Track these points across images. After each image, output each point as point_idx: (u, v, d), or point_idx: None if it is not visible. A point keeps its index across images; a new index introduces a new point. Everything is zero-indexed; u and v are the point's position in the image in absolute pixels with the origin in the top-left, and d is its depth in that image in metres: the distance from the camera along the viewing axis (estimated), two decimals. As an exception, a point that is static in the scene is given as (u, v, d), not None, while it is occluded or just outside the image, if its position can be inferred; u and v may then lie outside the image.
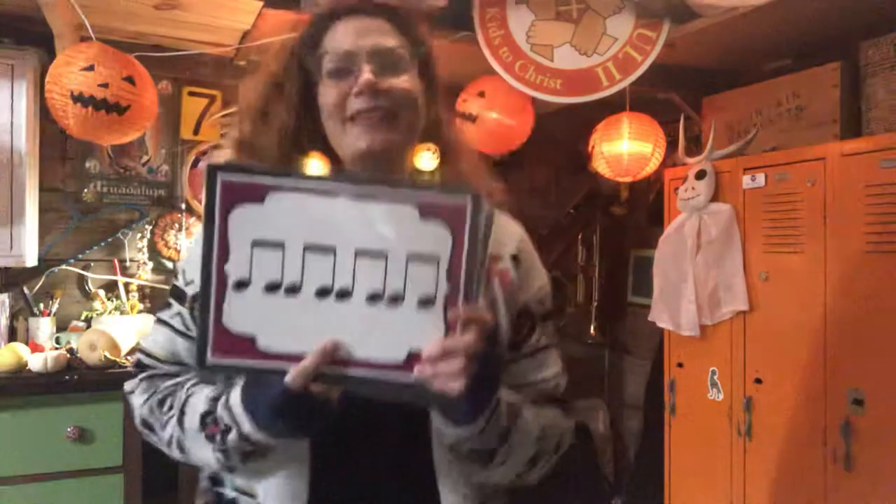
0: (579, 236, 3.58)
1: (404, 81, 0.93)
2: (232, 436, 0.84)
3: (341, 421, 0.79)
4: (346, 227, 0.73)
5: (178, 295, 0.98)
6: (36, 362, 2.21)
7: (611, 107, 2.59)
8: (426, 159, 0.97)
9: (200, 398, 0.90)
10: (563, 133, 3.24)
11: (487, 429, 0.82)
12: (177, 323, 0.97)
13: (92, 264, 2.70)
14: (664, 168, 2.70)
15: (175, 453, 0.94)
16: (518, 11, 2.29)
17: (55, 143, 2.59)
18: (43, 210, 2.58)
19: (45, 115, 2.28)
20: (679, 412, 2.59)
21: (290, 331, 0.74)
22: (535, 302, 1.00)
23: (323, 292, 0.74)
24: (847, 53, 2.22)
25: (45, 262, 2.60)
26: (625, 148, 2.61)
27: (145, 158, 2.78)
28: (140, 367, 1.01)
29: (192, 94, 2.83)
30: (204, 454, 0.89)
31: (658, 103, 2.79)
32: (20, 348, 2.29)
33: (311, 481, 0.88)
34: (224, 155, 1.04)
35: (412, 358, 0.73)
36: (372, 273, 0.73)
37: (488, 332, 0.73)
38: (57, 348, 2.39)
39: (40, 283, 2.60)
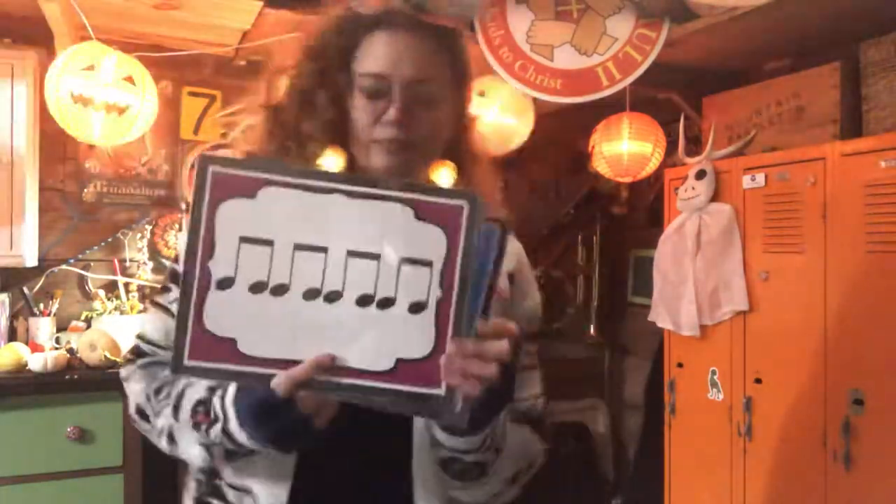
0: (579, 236, 3.58)
1: (434, 116, 0.92)
2: (216, 429, 0.81)
3: (326, 432, 0.77)
4: (339, 226, 0.70)
5: (177, 278, 0.95)
6: (36, 362, 2.20)
7: (611, 107, 2.59)
8: (444, 176, 0.95)
9: (199, 388, 0.86)
10: (563, 133, 3.24)
11: (488, 442, 0.81)
12: (175, 308, 0.95)
13: (92, 264, 2.70)
14: (664, 168, 2.70)
15: (164, 444, 0.92)
16: (518, 11, 2.29)
17: (55, 143, 2.59)
18: (43, 210, 2.58)
19: (45, 115, 2.27)
20: (679, 412, 2.59)
21: (275, 334, 0.70)
22: (524, 320, 0.97)
23: (311, 294, 0.70)
24: (847, 53, 2.22)
25: (45, 262, 2.60)
26: (625, 148, 2.61)
27: (145, 158, 2.78)
28: (138, 353, 0.98)
29: (192, 94, 2.83)
30: (191, 449, 0.87)
31: (658, 103, 2.79)
32: (20, 348, 2.29)
33: (292, 486, 0.87)
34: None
35: (400, 364, 0.70)
36: (363, 275, 0.70)
37: (517, 344, 0.71)
38: (57, 348, 2.39)
39: (40, 283, 2.60)
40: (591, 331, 3.57)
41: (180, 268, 0.72)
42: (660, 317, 2.59)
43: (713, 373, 2.42)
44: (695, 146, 2.67)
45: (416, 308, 0.70)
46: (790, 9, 2.05)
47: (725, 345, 2.37)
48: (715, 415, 2.41)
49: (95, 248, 2.70)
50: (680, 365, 2.58)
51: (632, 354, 3.58)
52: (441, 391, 0.70)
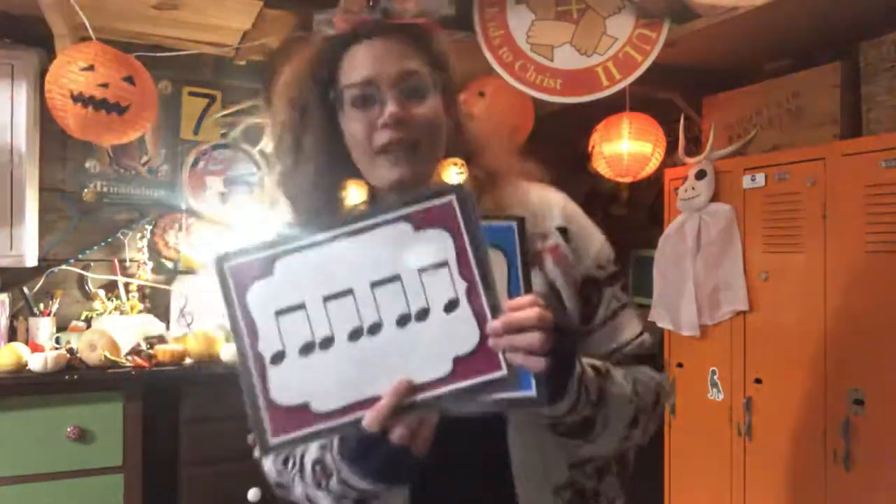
0: (579, 236, 3.58)
1: (429, 108, 0.92)
2: (333, 481, 0.84)
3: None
4: (355, 265, 0.74)
5: None
6: (36, 362, 2.20)
7: (611, 107, 2.59)
8: (453, 174, 0.95)
9: (312, 449, 0.88)
10: (563, 133, 3.23)
11: (581, 399, 0.81)
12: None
13: (92, 264, 2.70)
14: (664, 168, 2.70)
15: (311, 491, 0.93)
16: (518, 11, 2.29)
17: (55, 143, 2.59)
18: (43, 210, 2.58)
19: (45, 115, 2.27)
20: (679, 412, 2.59)
21: (340, 382, 0.74)
22: (596, 268, 0.97)
23: (355, 334, 0.74)
24: (847, 53, 2.22)
25: (45, 262, 2.60)
26: (625, 148, 2.61)
27: (145, 158, 2.78)
28: None
29: (192, 94, 2.83)
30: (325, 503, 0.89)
31: (658, 103, 2.79)
32: (20, 348, 2.29)
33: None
34: (266, 193, 1.02)
35: (458, 363, 0.73)
36: (393, 298, 0.74)
37: (545, 306, 0.72)
38: (57, 348, 2.39)
39: (40, 283, 2.59)
40: (591, 331, 3.57)
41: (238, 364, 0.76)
42: (660, 317, 2.59)
43: (713, 373, 2.42)
44: (695, 146, 2.67)
45: (450, 307, 0.73)
46: (790, 9, 2.05)
47: (725, 345, 2.37)
48: (715, 415, 2.41)
49: (95, 248, 2.70)
50: (680, 365, 2.58)
51: (632, 354, 3.58)
52: (503, 372, 0.72)
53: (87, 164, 2.69)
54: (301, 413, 0.73)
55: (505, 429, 0.89)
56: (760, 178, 2.25)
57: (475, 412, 0.74)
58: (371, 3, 0.94)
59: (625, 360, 0.95)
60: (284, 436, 0.74)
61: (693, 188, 2.41)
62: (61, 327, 2.54)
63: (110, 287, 2.69)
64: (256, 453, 0.95)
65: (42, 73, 2.24)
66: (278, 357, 0.74)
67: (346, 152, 0.94)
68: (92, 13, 2.09)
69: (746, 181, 2.29)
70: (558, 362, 0.72)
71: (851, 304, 1.97)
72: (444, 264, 0.73)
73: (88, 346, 2.30)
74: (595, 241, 1.00)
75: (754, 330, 2.28)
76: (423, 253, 0.73)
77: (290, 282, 0.74)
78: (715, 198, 2.38)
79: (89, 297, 2.66)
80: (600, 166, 2.72)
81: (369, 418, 0.72)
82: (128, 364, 2.32)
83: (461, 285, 0.73)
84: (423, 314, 0.73)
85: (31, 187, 2.41)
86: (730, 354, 2.36)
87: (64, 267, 2.65)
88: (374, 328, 0.74)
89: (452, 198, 0.73)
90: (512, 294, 0.74)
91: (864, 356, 1.94)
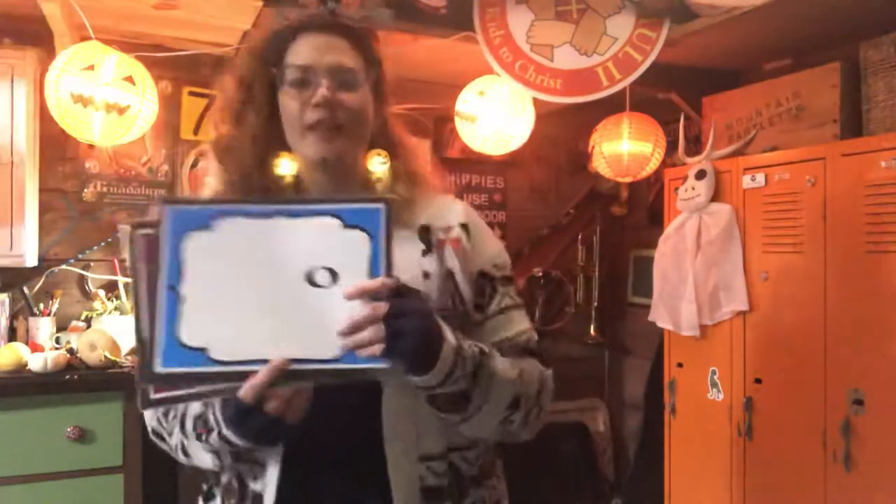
0: (579, 236, 3.58)
1: (356, 97, 1.03)
2: (214, 436, 0.93)
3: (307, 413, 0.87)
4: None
5: None
6: (36, 362, 2.20)
7: (611, 107, 2.59)
8: (377, 164, 1.07)
9: (195, 406, 0.96)
10: (563, 133, 3.24)
11: (455, 372, 0.89)
12: None
13: (92, 264, 2.70)
14: (664, 168, 2.70)
15: (181, 458, 1.03)
16: (518, 11, 2.29)
17: (55, 143, 2.59)
18: (43, 210, 2.58)
19: (45, 115, 2.27)
20: (679, 412, 2.59)
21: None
22: (491, 266, 1.09)
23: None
24: (847, 53, 2.22)
25: (45, 262, 2.60)
26: (625, 148, 2.61)
27: (145, 158, 2.78)
28: None
29: (192, 94, 2.83)
30: (202, 456, 0.99)
31: (658, 103, 2.79)
32: (20, 348, 2.29)
33: (281, 468, 0.97)
34: (208, 157, 1.13)
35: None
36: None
37: (384, 294, 0.81)
38: (57, 348, 2.39)
39: (40, 283, 2.59)
40: (591, 331, 3.57)
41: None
42: (660, 317, 2.59)
43: (713, 373, 2.42)
44: (695, 146, 2.67)
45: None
46: (790, 9, 2.05)
47: (725, 345, 2.37)
48: (715, 415, 2.41)
49: (95, 248, 2.70)
50: (680, 365, 2.58)
51: (632, 354, 3.58)
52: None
53: (87, 164, 2.69)
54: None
55: (380, 395, 0.97)
56: (760, 178, 2.25)
57: (345, 383, 0.83)
58: (323, 2, 1.09)
59: (512, 350, 1.05)
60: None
61: (693, 188, 2.41)
62: (61, 327, 2.54)
63: (110, 287, 2.69)
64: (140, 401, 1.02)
65: (42, 73, 2.24)
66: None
67: (281, 129, 1.05)
68: (92, 13, 2.09)
69: (746, 181, 2.29)
70: (422, 339, 0.83)
71: (851, 304, 1.97)
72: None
73: (88, 346, 2.30)
74: (493, 245, 1.13)
75: (754, 330, 2.28)
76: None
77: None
78: (715, 198, 2.38)
79: (89, 297, 2.66)
80: (600, 166, 2.72)
81: (245, 390, 0.81)
82: (128, 364, 2.32)
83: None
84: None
85: (31, 187, 2.41)
86: (730, 354, 2.36)
87: (64, 267, 2.65)
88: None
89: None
90: (373, 276, 0.82)
91: (864, 356, 1.94)
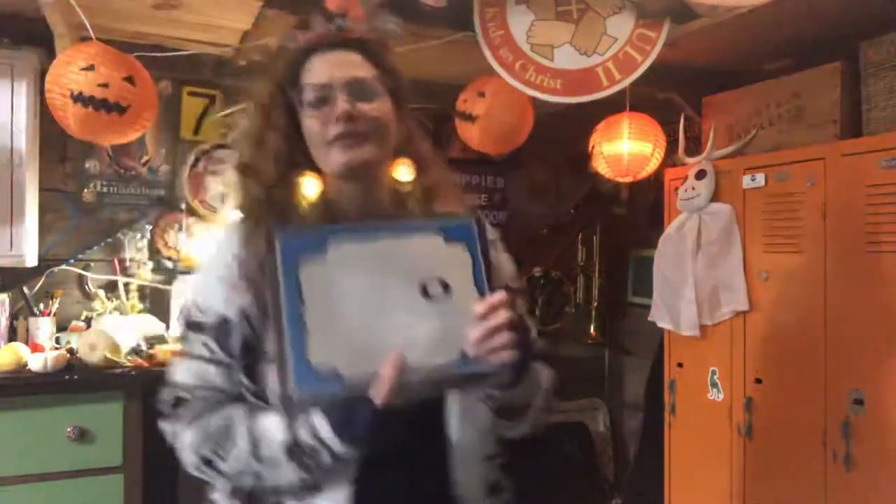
0: (579, 236, 3.58)
1: (375, 108, 1.05)
2: (324, 458, 0.94)
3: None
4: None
5: (198, 327, 1.04)
6: (36, 362, 2.20)
7: (611, 107, 2.59)
8: (403, 172, 1.10)
9: (271, 428, 0.97)
10: (563, 133, 3.24)
11: (527, 388, 1.00)
12: (204, 352, 1.03)
13: (92, 264, 2.70)
14: (664, 168, 2.70)
15: (245, 481, 1.01)
16: (518, 11, 2.29)
17: (55, 143, 2.59)
18: (43, 210, 2.58)
19: (45, 115, 2.27)
20: (679, 412, 2.59)
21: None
22: (510, 278, 1.16)
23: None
24: (847, 53, 2.22)
25: (45, 262, 2.60)
26: (625, 148, 2.61)
27: (145, 158, 2.78)
28: (177, 402, 1.05)
29: (192, 94, 2.83)
30: (286, 477, 0.97)
31: (658, 103, 2.79)
32: (20, 348, 2.29)
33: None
34: (227, 170, 1.17)
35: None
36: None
37: (510, 308, 0.89)
38: (57, 348, 2.39)
39: (40, 283, 2.59)
40: (591, 331, 3.57)
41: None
42: (660, 317, 2.59)
43: (713, 373, 2.42)
44: (695, 146, 2.67)
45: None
46: (790, 9, 2.05)
47: (725, 345, 2.37)
48: (715, 415, 2.41)
49: (95, 248, 2.70)
50: (680, 365, 2.58)
51: (632, 354, 3.58)
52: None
53: (87, 164, 2.69)
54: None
55: (443, 408, 1.03)
56: (760, 178, 2.25)
57: (456, 388, 0.94)
58: (330, 21, 1.09)
59: None
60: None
61: (693, 188, 2.41)
62: (61, 327, 2.54)
63: (110, 287, 2.70)
64: (169, 428, 1.06)
65: (42, 73, 2.24)
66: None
67: (303, 149, 1.07)
68: (92, 13, 2.09)
69: (746, 181, 2.29)
70: (521, 352, 0.90)
71: (851, 304, 1.97)
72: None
73: (88, 346, 2.30)
74: (508, 258, 1.19)
75: (754, 330, 2.28)
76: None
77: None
78: (715, 198, 2.38)
79: (89, 297, 2.67)
80: (600, 166, 2.72)
81: (377, 392, 0.85)
82: (128, 364, 2.32)
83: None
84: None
85: (31, 187, 2.41)
86: (730, 354, 2.36)
87: (64, 267, 2.65)
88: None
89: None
90: (480, 290, 0.90)
91: (864, 356, 1.94)
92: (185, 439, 1.02)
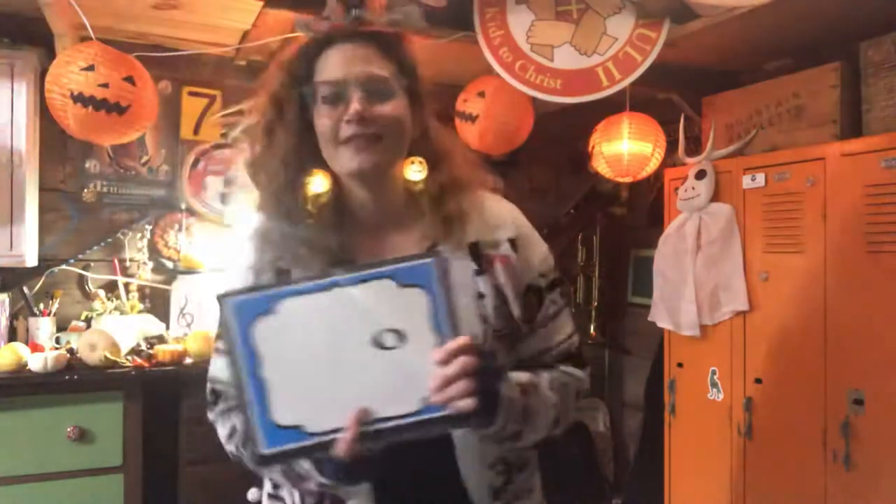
0: (579, 236, 3.58)
1: (391, 108, 1.00)
2: (312, 484, 0.97)
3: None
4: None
5: None
6: (36, 362, 2.20)
7: (611, 107, 2.59)
8: (413, 171, 1.06)
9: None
10: (563, 133, 3.24)
11: (509, 423, 0.94)
12: None
13: (92, 264, 2.70)
14: (664, 168, 2.70)
15: (276, 477, 1.05)
16: (518, 11, 2.29)
17: (55, 143, 2.59)
18: (43, 210, 2.58)
19: (45, 115, 2.27)
20: (679, 412, 2.59)
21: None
22: (539, 276, 1.09)
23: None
24: (847, 53, 2.22)
25: (45, 262, 2.60)
26: (625, 148, 2.61)
27: (145, 158, 2.78)
28: (214, 395, 1.09)
29: (192, 94, 2.83)
30: (300, 483, 1.01)
31: (658, 103, 2.79)
32: (20, 348, 2.29)
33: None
34: (235, 171, 1.12)
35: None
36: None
37: (474, 352, 0.85)
38: (57, 348, 2.39)
39: (40, 283, 2.59)
40: (591, 331, 3.57)
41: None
42: (660, 317, 2.59)
43: (713, 373, 2.42)
44: (695, 146, 2.67)
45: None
46: (790, 9, 2.05)
47: (725, 345, 2.37)
48: (715, 415, 2.41)
49: (95, 248, 2.70)
50: (680, 365, 2.58)
51: (632, 354, 3.58)
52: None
53: (87, 164, 2.69)
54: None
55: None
56: (760, 178, 2.25)
57: (423, 436, 0.87)
58: (347, 11, 1.03)
59: (556, 358, 1.09)
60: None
61: (693, 188, 2.41)
62: (61, 327, 2.54)
63: (110, 287, 2.70)
64: (211, 416, 1.09)
65: (42, 73, 2.24)
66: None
67: (314, 144, 1.03)
68: (92, 13, 2.08)
69: (746, 181, 2.29)
70: (484, 398, 0.85)
71: (851, 304, 1.97)
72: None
73: (88, 346, 2.30)
74: (539, 251, 1.12)
75: (754, 330, 2.28)
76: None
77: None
78: (715, 198, 2.38)
79: (89, 297, 2.67)
80: (600, 166, 2.72)
81: (339, 450, 0.84)
82: (128, 364, 2.32)
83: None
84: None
85: (31, 187, 2.41)
86: (730, 354, 2.36)
87: (64, 267, 2.65)
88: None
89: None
90: (441, 333, 0.85)
91: (864, 356, 1.94)
92: (220, 431, 1.07)
